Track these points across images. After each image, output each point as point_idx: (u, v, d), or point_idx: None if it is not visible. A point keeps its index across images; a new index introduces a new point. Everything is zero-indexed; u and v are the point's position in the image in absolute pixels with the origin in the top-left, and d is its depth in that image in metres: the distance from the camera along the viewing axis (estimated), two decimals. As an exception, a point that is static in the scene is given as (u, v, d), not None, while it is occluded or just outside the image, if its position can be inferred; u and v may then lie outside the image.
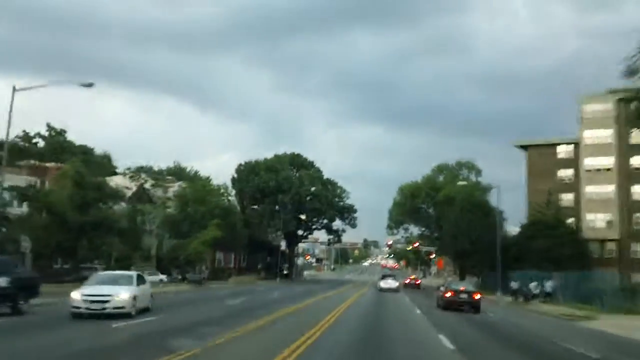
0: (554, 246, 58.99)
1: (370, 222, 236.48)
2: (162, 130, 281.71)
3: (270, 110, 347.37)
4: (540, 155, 74.48)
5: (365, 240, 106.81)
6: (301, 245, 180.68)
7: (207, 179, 70.77)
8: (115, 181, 62.33)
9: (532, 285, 43.73)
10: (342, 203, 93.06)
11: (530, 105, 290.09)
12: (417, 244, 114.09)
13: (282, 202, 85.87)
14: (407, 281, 79.00)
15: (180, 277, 59.79)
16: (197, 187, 65.02)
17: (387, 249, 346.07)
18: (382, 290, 55.66)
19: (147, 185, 64.90)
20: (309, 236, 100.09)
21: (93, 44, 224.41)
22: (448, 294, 31.93)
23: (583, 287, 43.96)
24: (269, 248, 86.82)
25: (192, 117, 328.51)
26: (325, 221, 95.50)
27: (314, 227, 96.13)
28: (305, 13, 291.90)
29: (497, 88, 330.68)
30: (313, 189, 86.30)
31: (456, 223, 60.23)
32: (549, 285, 44.05)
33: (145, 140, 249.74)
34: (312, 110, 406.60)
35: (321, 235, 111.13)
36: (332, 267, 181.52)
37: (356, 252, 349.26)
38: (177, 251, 54.46)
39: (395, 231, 79.09)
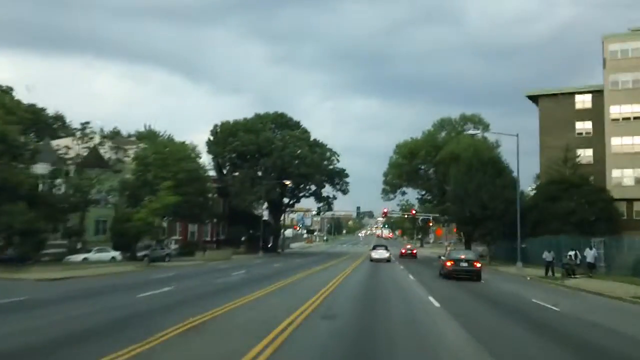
0: (578, 208, 50.11)
1: (365, 194, 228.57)
2: (152, 103, 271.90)
3: (263, 82, 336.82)
4: (554, 107, 65.26)
5: (358, 209, 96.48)
6: (292, 217, 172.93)
7: (183, 144, 60.96)
8: (59, 143, 52.96)
9: (570, 254, 34.57)
10: (331, 167, 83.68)
11: (528, 74, 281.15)
12: (413, 212, 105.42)
13: (264, 167, 76.52)
14: (403, 251, 73.61)
15: (141, 254, 50.82)
16: (158, 148, 55.38)
17: (382, 218, 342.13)
18: (373, 260, 54.30)
19: (105, 149, 55.45)
20: (296, 205, 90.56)
21: (79, 16, 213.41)
22: (449, 264, 32.02)
23: (628, 256, 35.16)
24: (250, 219, 77.56)
25: (184, 89, 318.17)
26: (313, 187, 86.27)
27: (301, 194, 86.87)
28: None
29: (494, 57, 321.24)
30: (299, 151, 76.82)
31: (463, 184, 51.03)
32: (591, 254, 34.92)
33: (135, 114, 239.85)
34: (306, 82, 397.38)
35: (310, 203, 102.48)
36: (325, 238, 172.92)
37: (350, 222, 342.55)
38: (121, 223, 45.01)
39: (391, 196, 70.13)
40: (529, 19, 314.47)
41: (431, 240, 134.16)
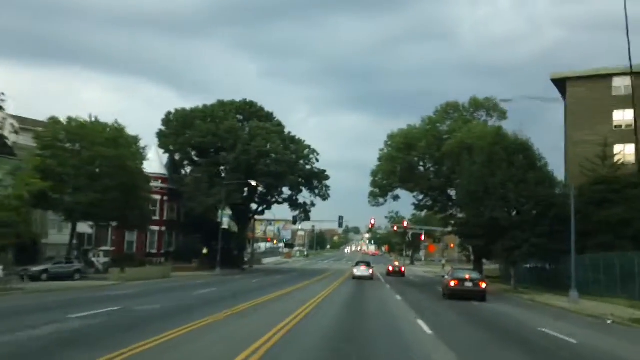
0: (636, 216, 36.72)
1: (352, 210, 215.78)
2: (139, 115, 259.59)
3: (252, 96, 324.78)
4: (585, 94, 52.26)
5: (340, 218, 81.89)
6: (270, 229, 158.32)
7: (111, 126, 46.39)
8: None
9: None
10: (309, 167, 69.89)
11: (516, 92, 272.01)
12: (406, 224, 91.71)
13: (225, 164, 62.63)
14: (390, 269, 66.76)
15: (38, 268, 36.84)
16: (71, 129, 41.38)
17: (368, 235, 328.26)
18: (355, 277, 51.20)
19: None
20: (267, 212, 76.47)
21: (68, 27, 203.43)
22: (453, 283, 30.21)
23: None
24: (210, 228, 63.31)
25: (171, 102, 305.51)
26: (288, 192, 72.43)
27: (272, 199, 72.83)
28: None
29: (484, 74, 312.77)
30: (269, 145, 62.96)
31: (481, 180, 37.31)
32: None
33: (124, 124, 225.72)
34: (295, 96, 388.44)
35: (284, 212, 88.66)
36: (306, 253, 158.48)
37: (336, 238, 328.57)
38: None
39: (381, 201, 55.93)
40: (517, 39, 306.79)
41: (422, 257, 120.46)
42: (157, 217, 62.88)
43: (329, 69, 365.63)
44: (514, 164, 36.53)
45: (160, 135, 64.76)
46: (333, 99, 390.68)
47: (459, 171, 42.42)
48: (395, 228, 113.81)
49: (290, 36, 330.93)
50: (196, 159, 65.58)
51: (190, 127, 63.00)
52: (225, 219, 60.90)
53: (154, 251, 62.59)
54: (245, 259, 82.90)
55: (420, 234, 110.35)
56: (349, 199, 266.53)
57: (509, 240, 36.21)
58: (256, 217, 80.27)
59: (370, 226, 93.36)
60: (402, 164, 49.29)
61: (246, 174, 62.25)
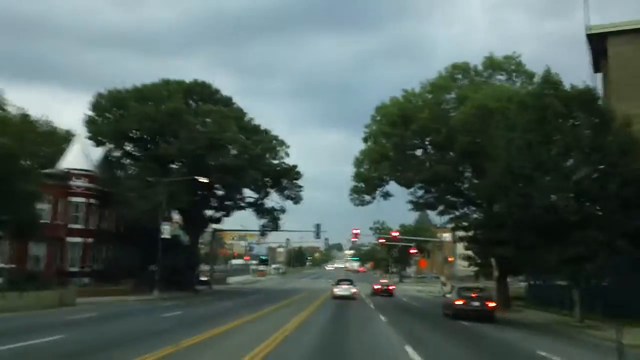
0: None
1: (334, 227, 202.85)
2: None
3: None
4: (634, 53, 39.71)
5: (317, 227, 68.44)
6: (242, 243, 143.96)
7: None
8: None
9: None
10: (277, 162, 56.51)
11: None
12: (395, 234, 78.35)
13: (167, 156, 49.02)
14: (377, 287, 59.12)
15: None
16: None
17: (350, 252, 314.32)
18: (336, 297, 45.83)
19: None
20: (226, 218, 62.22)
21: (46, 47, 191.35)
22: (458, 302, 27.85)
23: None
24: (150, 238, 49.18)
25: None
26: (253, 195, 58.99)
27: (232, 203, 59.18)
28: (267, 18, 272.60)
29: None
30: (227, 134, 49.40)
31: (531, 152, 23.92)
32: None
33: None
34: (274, 114, 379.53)
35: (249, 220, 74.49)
36: (281, 270, 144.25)
37: (317, 255, 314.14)
38: None
39: (367, 199, 41.83)
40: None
41: (412, 274, 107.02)
42: (79, 225, 48.99)
43: (307, 86, 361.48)
44: (578, 122, 23.34)
45: (89, 122, 50.91)
46: (312, 117, 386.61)
47: (485, 145, 29.38)
48: (382, 240, 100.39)
49: (269, 55, 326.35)
50: (132, 151, 51.83)
51: (125, 110, 49.36)
52: (166, 227, 47.00)
53: (76, 269, 48.46)
54: (205, 278, 69.07)
55: (410, 247, 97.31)
56: (330, 216, 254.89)
57: (575, 244, 22.76)
58: (215, 226, 66.31)
59: (353, 238, 79.81)
60: (397, 145, 35.72)
61: (194, 169, 48.62)
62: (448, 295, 32.03)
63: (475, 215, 38.24)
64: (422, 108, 35.36)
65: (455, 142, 34.84)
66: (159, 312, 29.25)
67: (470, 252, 38.60)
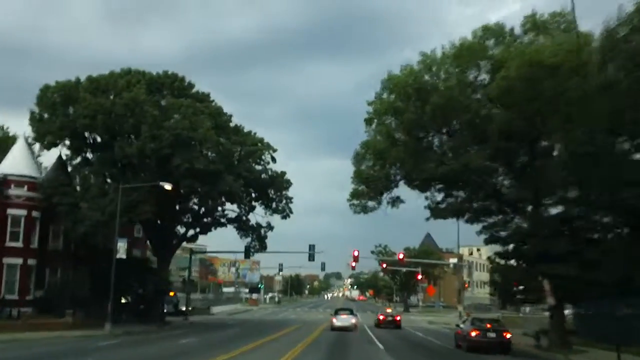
0: None
1: (332, 255, 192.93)
2: None
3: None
4: None
5: (311, 248, 59.65)
6: (231, 270, 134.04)
7: None
8: None
9: None
10: (261, 166, 47.56)
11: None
12: (402, 257, 68.96)
13: (124, 157, 39.97)
14: (381, 317, 51.46)
15: None
16: None
17: (349, 281, 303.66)
18: (335, 329, 41.22)
19: None
20: (201, 236, 52.63)
21: (43, 75, 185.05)
22: (474, 333, 26.81)
23: None
24: (105, 259, 39.71)
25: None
26: (234, 209, 49.95)
27: (208, 219, 50.03)
28: (265, 46, 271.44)
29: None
30: (199, 131, 40.35)
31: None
32: None
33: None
34: (271, 141, 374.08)
35: (230, 240, 65.09)
36: (277, 299, 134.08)
37: (316, 283, 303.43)
38: None
39: (370, 205, 32.54)
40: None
41: (420, 302, 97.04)
42: (18, 244, 39.86)
43: (305, 113, 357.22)
44: None
45: (34, 120, 42.02)
46: (309, 144, 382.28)
47: (546, 116, 20.50)
48: (384, 265, 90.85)
49: (266, 82, 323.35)
50: (84, 152, 42.90)
51: (76, 104, 40.52)
52: (122, 244, 37.69)
53: (14, 297, 39.14)
54: (181, 308, 59.64)
55: (416, 273, 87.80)
56: (328, 244, 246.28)
57: None
58: (191, 246, 56.98)
59: (352, 262, 70.27)
60: (413, 124, 26.42)
61: (158, 173, 39.60)
62: (462, 326, 30.57)
63: (515, 223, 29.01)
64: (447, 79, 26.35)
65: (489, 122, 25.87)
66: (81, 356, 20.27)
67: (494, 276, 29.68)
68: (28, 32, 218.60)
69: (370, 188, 32.05)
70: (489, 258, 37.00)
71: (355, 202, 33.04)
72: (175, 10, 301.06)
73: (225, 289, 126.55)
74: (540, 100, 22.36)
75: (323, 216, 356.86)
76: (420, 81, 26.62)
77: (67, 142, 42.98)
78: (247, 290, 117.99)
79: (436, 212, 31.35)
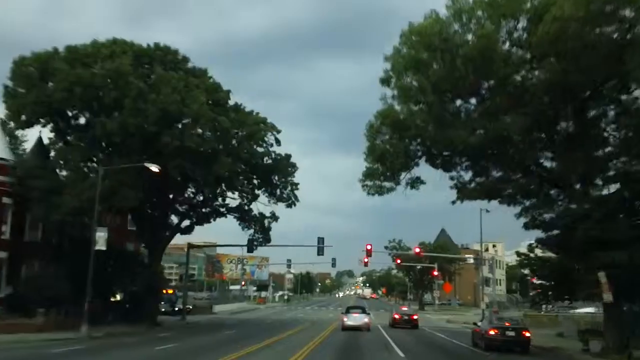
0: None
1: (345, 254, 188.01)
2: None
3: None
4: None
5: (320, 241, 55.29)
6: (245, 268, 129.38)
7: None
8: None
9: None
10: (263, 148, 42.76)
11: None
12: (419, 250, 64.05)
13: (105, 135, 35.31)
14: (397, 317, 47.15)
15: None
16: None
17: (361, 278, 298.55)
18: (346, 328, 38.57)
19: None
20: (197, 226, 47.47)
21: None
22: (492, 332, 26.37)
23: None
24: (87, 252, 35.13)
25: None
26: (235, 198, 45.28)
27: (208, 209, 45.39)
28: (277, 42, 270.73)
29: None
30: (191, 106, 35.57)
31: None
32: None
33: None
34: (284, 139, 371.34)
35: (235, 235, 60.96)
36: (286, 297, 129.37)
37: (328, 281, 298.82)
38: None
39: (387, 185, 27.86)
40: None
41: (436, 300, 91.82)
42: (-15, 234, 35.39)
43: (318, 111, 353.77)
44: None
45: (8, 95, 37.40)
46: (323, 142, 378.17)
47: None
48: (399, 261, 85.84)
49: (278, 79, 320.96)
50: (62, 130, 38.31)
51: (53, 77, 35.92)
52: (101, 234, 33.04)
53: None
54: (177, 307, 55.16)
55: (432, 269, 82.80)
56: (341, 243, 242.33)
57: None
58: (190, 239, 52.36)
59: (364, 259, 65.74)
60: (442, 81, 21.34)
61: (145, 154, 34.97)
62: (479, 324, 30.34)
63: (561, 204, 23.97)
64: (478, 30, 21.35)
65: (531, 80, 20.89)
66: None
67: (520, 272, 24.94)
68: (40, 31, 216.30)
69: (386, 166, 27.09)
70: (518, 254, 31.98)
71: (369, 182, 28.10)
72: (185, 7, 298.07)
73: (233, 287, 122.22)
74: (604, 44, 17.46)
75: (337, 214, 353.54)
76: (448, 31, 21.61)
77: (48, 123, 38.44)
78: (255, 288, 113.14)
79: (464, 193, 26.33)
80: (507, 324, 27.34)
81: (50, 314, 33.33)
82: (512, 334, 26.27)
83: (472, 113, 23.74)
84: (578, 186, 23.50)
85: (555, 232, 24.34)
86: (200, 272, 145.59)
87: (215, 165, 36.84)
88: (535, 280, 47.21)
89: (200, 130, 36.77)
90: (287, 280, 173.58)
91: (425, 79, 21.60)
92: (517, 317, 39.59)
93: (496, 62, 21.10)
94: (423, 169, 28.68)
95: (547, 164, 24.60)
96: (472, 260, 75.12)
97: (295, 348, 23.90)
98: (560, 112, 22.38)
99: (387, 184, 28.01)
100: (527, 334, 26.47)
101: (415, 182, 28.30)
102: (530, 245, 29.29)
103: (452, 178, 27.82)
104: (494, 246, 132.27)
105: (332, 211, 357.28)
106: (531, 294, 50.35)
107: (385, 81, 23.59)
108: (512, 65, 21.35)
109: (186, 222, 44.60)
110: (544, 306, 56.26)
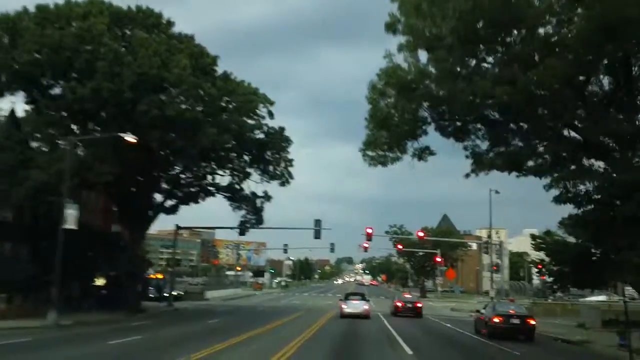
0: None
1: (344, 242, 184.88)
2: None
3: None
4: None
5: (317, 223, 52.13)
6: (241, 253, 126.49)
7: None
8: None
9: None
10: (254, 121, 39.13)
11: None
12: (421, 234, 60.72)
13: (76, 102, 31.68)
14: (399, 304, 43.76)
15: None
16: None
17: (361, 265, 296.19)
18: (344, 316, 37.36)
19: None
20: (183, 206, 43.93)
21: None
22: (497, 320, 26.00)
23: None
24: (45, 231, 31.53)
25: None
26: (226, 175, 41.84)
27: (192, 188, 41.88)
28: (277, 32, 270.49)
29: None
30: (172, 71, 31.92)
31: None
32: None
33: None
34: (286, 128, 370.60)
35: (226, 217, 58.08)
36: (283, 283, 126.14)
37: (327, 268, 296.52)
38: None
39: (388, 156, 24.68)
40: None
41: (439, 287, 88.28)
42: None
43: (318, 100, 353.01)
44: None
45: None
46: (323, 131, 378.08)
47: None
48: (400, 246, 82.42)
49: (279, 68, 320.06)
50: (32, 98, 34.68)
51: (20, 38, 32.25)
52: (72, 212, 29.63)
53: None
54: (165, 293, 51.85)
55: (435, 256, 79.52)
56: (341, 232, 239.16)
57: None
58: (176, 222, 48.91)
59: (364, 244, 62.55)
60: (463, 24, 17.63)
61: (121, 124, 31.39)
62: (482, 311, 29.74)
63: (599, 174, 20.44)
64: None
65: (569, 23, 17.29)
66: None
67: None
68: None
69: (391, 132, 23.55)
70: (533, 236, 28.67)
71: (370, 152, 24.59)
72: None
73: (229, 273, 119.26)
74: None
75: (337, 203, 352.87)
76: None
77: (16, 91, 34.78)
78: (251, 274, 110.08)
79: (482, 163, 22.78)
80: (511, 311, 27.04)
81: (14, 300, 29.99)
82: (516, 321, 25.99)
83: (497, 65, 20.06)
84: (618, 155, 19.99)
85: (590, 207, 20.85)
86: (199, 258, 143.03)
87: (199, 136, 33.25)
88: (542, 268, 44.39)
89: (182, 98, 33.01)
90: (285, 267, 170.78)
91: (441, 19, 17.92)
92: (522, 305, 36.82)
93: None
94: (432, 139, 25.25)
95: (582, 126, 21.00)
96: (475, 247, 71.78)
97: (291, 337, 20.61)
98: (599, 64, 18.78)
99: (391, 154, 24.46)
100: (532, 322, 26.15)
101: (424, 152, 24.83)
102: (559, 223, 25.69)
103: (465, 148, 24.30)
104: (496, 232, 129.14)
105: (333, 199, 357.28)
106: (539, 280, 47.34)
107: (390, 26, 19.89)
108: (546, 6, 17.72)
109: (171, 202, 41.04)
110: (552, 295, 53.39)
